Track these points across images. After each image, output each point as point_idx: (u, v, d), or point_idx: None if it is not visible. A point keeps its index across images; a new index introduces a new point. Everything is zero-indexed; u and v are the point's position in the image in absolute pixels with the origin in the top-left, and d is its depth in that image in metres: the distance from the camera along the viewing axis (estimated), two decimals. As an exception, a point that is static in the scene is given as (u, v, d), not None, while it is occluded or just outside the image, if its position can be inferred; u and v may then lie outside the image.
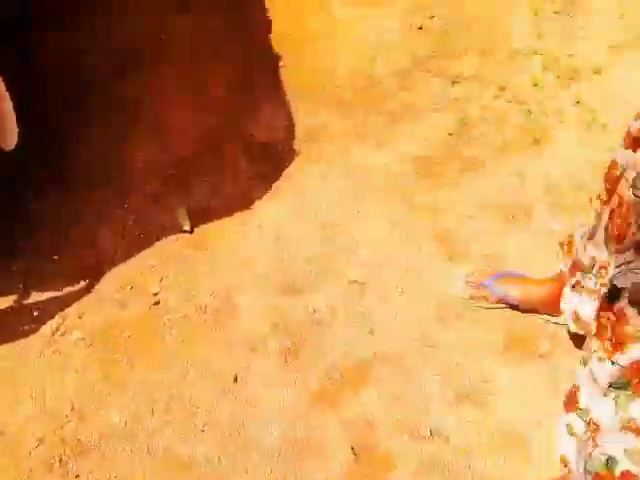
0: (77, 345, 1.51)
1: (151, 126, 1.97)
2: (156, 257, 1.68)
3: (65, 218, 1.77)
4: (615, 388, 0.91)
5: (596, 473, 0.95)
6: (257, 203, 1.78)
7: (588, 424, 0.99)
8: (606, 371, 0.92)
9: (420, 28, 2.12)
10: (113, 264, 1.67)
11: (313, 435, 1.36)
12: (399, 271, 1.61)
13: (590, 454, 0.97)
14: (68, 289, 1.63)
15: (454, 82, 1.99)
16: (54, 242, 1.72)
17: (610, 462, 0.93)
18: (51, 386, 1.44)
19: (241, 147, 1.91)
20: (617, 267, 0.92)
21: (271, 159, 1.88)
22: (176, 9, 2.21)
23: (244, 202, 1.78)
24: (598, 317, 0.96)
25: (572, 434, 1.06)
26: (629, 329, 0.86)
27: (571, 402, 1.07)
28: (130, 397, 1.42)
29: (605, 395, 0.93)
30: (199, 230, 1.74)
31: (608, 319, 0.91)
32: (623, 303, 0.87)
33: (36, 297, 1.62)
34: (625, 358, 0.88)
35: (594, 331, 0.96)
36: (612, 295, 0.91)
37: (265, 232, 1.71)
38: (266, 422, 1.37)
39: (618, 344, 0.88)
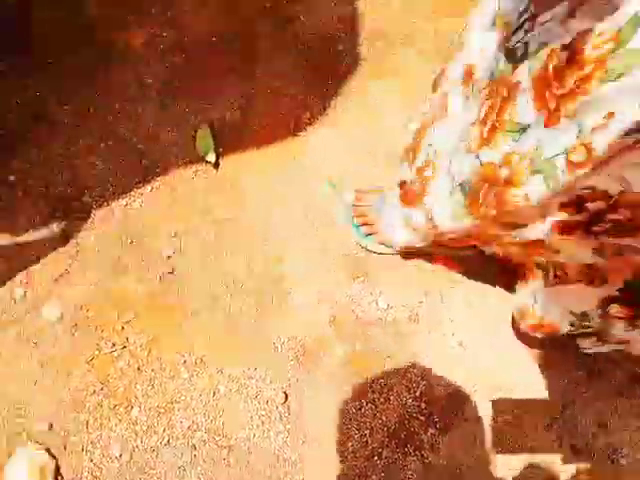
0: (52, 327, 1.05)
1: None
2: (165, 199, 1.17)
3: (25, 114, 1.18)
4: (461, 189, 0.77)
5: None
6: (309, 130, 1.25)
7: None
8: (466, 164, 0.74)
9: None
10: (103, 200, 1.15)
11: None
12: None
13: None
14: (31, 234, 1.11)
15: None
16: (8, 153, 1.16)
17: None
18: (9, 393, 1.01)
19: (283, 35, 1.32)
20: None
21: (326, 62, 1.32)
22: None
23: (289, 124, 1.25)
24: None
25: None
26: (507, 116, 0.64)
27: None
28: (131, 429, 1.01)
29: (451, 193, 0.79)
30: (227, 163, 1.22)
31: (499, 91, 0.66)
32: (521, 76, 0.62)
33: (-16, 240, 1.10)
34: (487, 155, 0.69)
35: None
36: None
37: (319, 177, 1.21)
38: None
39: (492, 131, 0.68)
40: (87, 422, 0.98)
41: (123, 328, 1.06)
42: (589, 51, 0.52)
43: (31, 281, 1.07)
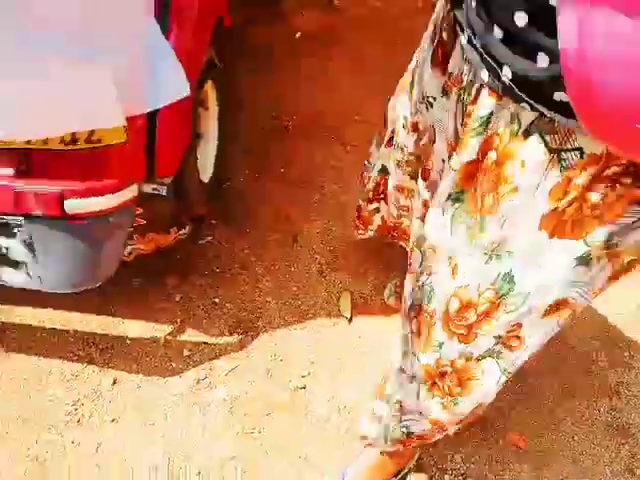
0: (217, 405, 1.51)
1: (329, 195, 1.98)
2: (310, 336, 1.66)
3: (233, 262, 1.79)
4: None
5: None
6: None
7: None
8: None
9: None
10: (269, 326, 1.67)
11: None
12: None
13: None
14: (220, 339, 1.64)
15: None
16: (217, 284, 1.75)
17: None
18: (177, 442, 1.45)
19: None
20: None
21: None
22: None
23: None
24: None
25: None
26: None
27: None
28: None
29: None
30: (358, 322, 1.70)
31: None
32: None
33: (190, 336, 1.64)
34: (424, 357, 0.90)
35: None
36: None
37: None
38: None
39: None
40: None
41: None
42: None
43: (213, 369, 1.57)
